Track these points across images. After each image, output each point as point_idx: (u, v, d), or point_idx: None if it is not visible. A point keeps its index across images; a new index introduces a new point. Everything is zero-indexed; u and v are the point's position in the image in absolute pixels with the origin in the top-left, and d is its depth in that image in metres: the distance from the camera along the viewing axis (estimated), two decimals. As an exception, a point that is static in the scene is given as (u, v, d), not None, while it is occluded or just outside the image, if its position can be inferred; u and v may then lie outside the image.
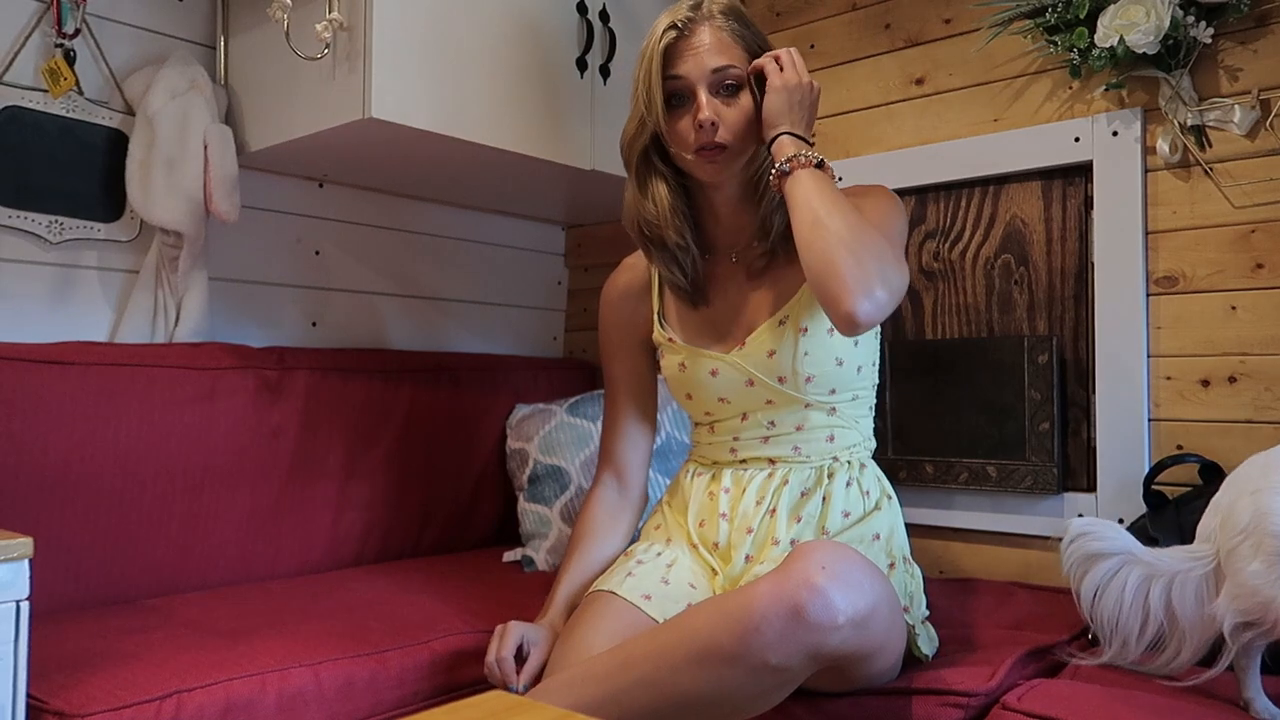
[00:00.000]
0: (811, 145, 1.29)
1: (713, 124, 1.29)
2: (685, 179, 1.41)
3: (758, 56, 1.34)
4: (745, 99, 1.33)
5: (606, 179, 1.98)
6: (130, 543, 1.59)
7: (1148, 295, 1.68)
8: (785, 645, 1.03)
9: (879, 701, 1.19)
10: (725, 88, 1.32)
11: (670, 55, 1.32)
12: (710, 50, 1.31)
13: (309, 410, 1.84)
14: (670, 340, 1.43)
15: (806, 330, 1.34)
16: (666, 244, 1.39)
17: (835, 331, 1.35)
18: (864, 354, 1.39)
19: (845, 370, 1.36)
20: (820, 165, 1.26)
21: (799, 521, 1.34)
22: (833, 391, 1.37)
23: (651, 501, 1.88)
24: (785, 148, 1.27)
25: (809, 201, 1.22)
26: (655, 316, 1.47)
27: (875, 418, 1.46)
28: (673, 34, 1.32)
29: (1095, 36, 1.64)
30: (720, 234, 1.43)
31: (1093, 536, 1.20)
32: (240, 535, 1.73)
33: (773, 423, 1.38)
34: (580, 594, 1.42)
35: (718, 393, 1.40)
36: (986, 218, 1.88)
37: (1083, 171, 1.76)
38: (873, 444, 1.44)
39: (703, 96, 1.30)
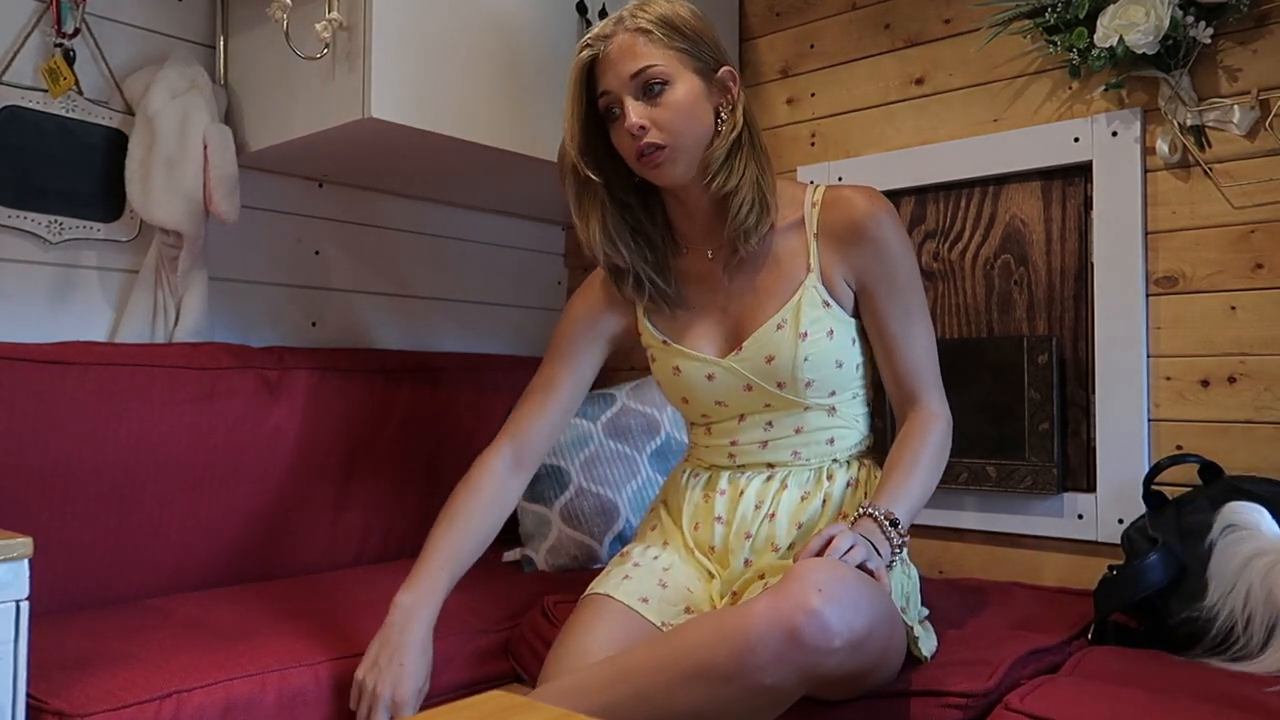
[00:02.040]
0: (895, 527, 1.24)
1: (641, 128, 1.28)
2: (656, 190, 1.40)
3: (684, 49, 1.31)
4: (674, 94, 1.29)
5: (606, 179, 1.98)
6: (130, 543, 1.59)
7: (1147, 295, 1.68)
8: (780, 667, 1.03)
9: (878, 703, 1.19)
10: (649, 88, 1.29)
11: (594, 73, 1.32)
12: (626, 56, 1.29)
13: (309, 410, 1.84)
14: (664, 343, 1.42)
15: (807, 335, 1.33)
16: (610, 264, 1.39)
17: (835, 334, 1.35)
18: (863, 352, 1.39)
19: (844, 371, 1.36)
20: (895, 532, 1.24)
21: (799, 527, 1.34)
22: (832, 393, 1.37)
23: (647, 501, 1.89)
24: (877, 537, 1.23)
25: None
26: (642, 318, 1.46)
27: (875, 416, 1.46)
28: (588, 53, 1.31)
29: (1095, 36, 1.64)
30: (694, 231, 1.41)
31: (1239, 511, 1.20)
32: (240, 535, 1.73)
33: (770, 423, 1.38)
34: (461, 570, 1.38)
35: (714, 396, 1.39)
36: (986, 218, 1.88)
37: (1082, 171, 1.76)
38: (871, 440, 1.44)
39: (628, 103, 1.29)
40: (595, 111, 1.34)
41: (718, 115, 1.33)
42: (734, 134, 1.32)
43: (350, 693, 1.28)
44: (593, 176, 1.34)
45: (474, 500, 1.43)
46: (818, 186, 1.40)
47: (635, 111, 1.29)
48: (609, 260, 1.39)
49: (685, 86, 1.30)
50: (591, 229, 1.37)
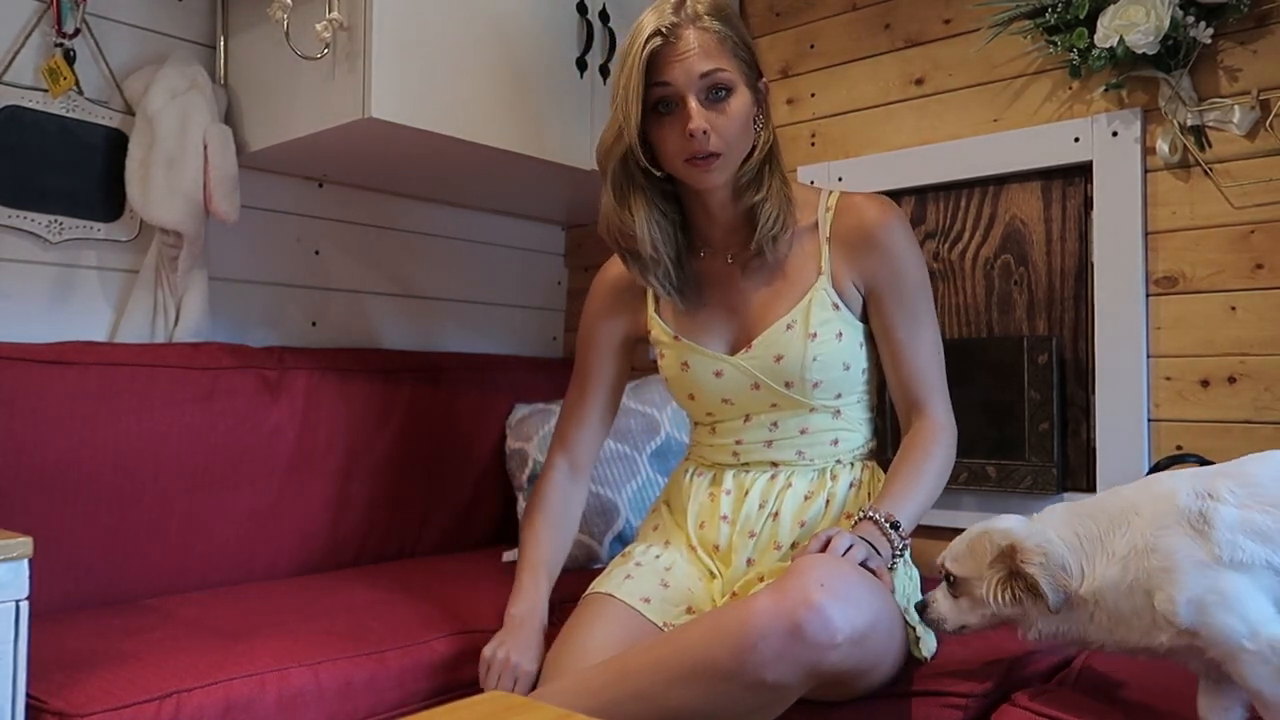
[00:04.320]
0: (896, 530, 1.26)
1: (705, 133, 1.26)
2: (675, 184, 1.38)
3: (744, 58, 1.31)
4: (735, 103, 1.29)
5: (606, 179, 1.98)
6: (130, 543, 1.59)
7: (1147, 295, 1.68)
8: (782, 663, 1.03)
9: (878, 704, 1.19)
10: (714, 92, 1.28)
11: (655, 62, 1.27)
12: (698, 55, 1.26)
13: (309, 410, 1.84)
14: (675, 338, 1.42)
15: (816, 335, 1.33)
16: (641, 255, 1.36)
17: (844, 336, 1.35)
18: (870, 356, 1.39)
19: (851, 374, 1.36)
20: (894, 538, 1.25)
21: (802, 526, 1.34)
22: (838, 396, 1.37)
23: (647, 501, 1.89)
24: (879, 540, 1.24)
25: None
26: (653, 314, 1.46)
27: (876, 417, 1.46)
28: (658, 40, 1.27)
29: (1095, 37, 1.64)
30: (715, 234, 1.41)
31: None
32: (240, 535, 1.73)
33: (775, 424, 1.38)
34: (556, 570, 1.45)
35: (721, 394, 1.39)
36: (986, 218, 1.88)
37: (1082, 172, 1.76)
38: (875, 443, 1.44)
39: (693, 104, 1.26)
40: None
41: (754, 127, 1.33)
42: (766, 148, 1.33)
43: (479, 669, 1.31)
44: (652, 169, 1.33)
45: (546, 512, 1.48)
46: (831, 192, 1.41)
47: (700, 114, 1.26)
48: (644, 250, 1.35)
49: (742, 98, 1.30)
50: (638, 217, 1.34)
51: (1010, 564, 1.04)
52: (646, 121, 1.30)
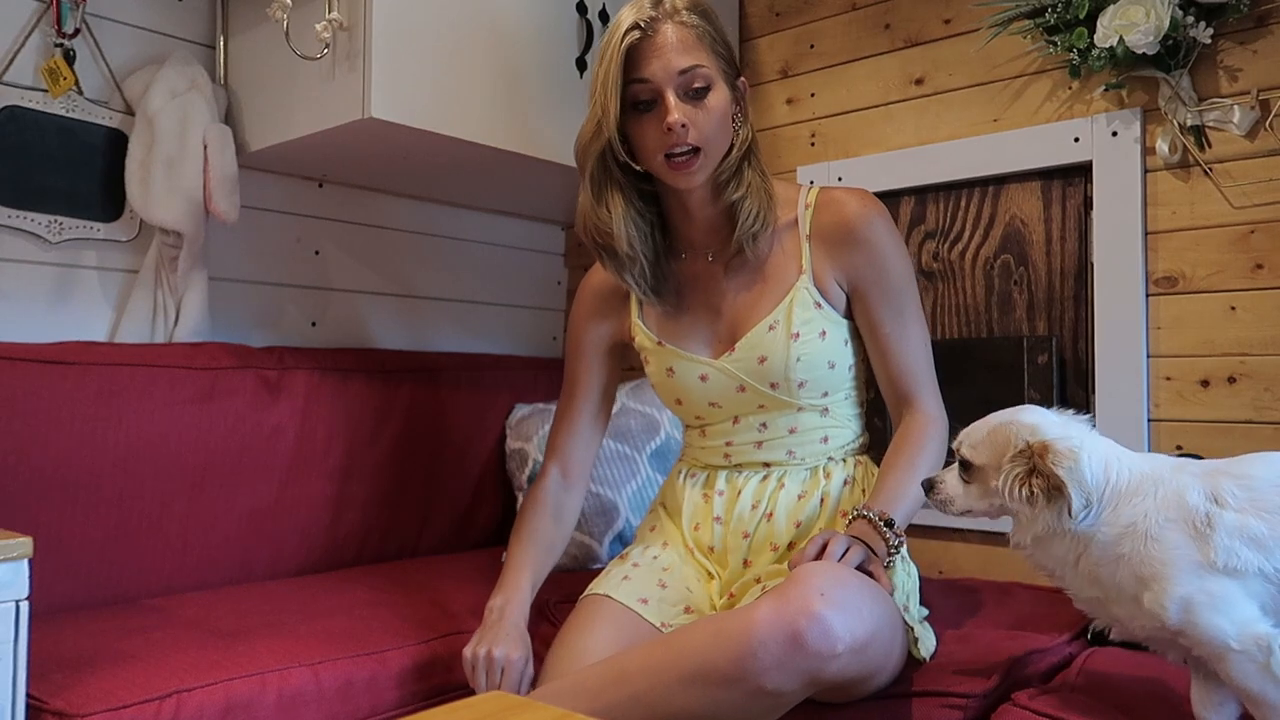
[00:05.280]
0: (891, 529, 1.24)
1: (683, 125, 1.25)
2: (653, 183, 1.38)
3: (723, 55, 1.31)
4: (714, 99, 1.28)
5: (606, 179, 1.98)
6: (130, 543, 1.59)
7: (1147, 295, 1.68)
8: (782, 671, 1.03)
9: (878, 704, 1.19)
10: (693, 89, 1.27)
11: (633, 57, 1.26)
12: (676, 50, 1.26)
13: (308, 410, 1.84)
14: (659, 344, 1.42)
15: (799, 335, 1.33)
16: (617, 253, 1.35)
17: (828, 334, 1.35)
18: (855, 352, 1.39)
19: (838, 372, 1.36)
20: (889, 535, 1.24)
21: (798, 526, 1.34)
22: (825, 394, 1.37)
23: (647, 501, 1.89)
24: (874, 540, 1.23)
25: None
26: (636, 320, 1.45)
27: (874, 417, 1.46)
28: (636, 34, 1.26)
29: (1095, 37, 1.64)
30: (694, 233, 1.40)
31: None
32: (240, 535, 1.73)
33: (765, 425, 1.38)
34: (539, 575, 1.42)
35: (708, 398, 1.39)
36: (986, 218, 1.88)
37: (1082, 172, 1.76)
38: (866, 438, 1.44)
39: (670, 99, 1.26)
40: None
41: (733, 124, 1.33)
42: (745, 145, 1.33)
43: (464, 671, 1.28)
44: (632, 164, 1.32)
45: (534, 518, 1.46)
46: (811, 188, 1.40)
47: (678, 109, 1.26)
48: (620, 247, 1.34)
49: (721, 95, 1.30)
50: (614, 214, 1.33)
51: (1036, 461, 1.01)
52: (625, 119, 1.30)
